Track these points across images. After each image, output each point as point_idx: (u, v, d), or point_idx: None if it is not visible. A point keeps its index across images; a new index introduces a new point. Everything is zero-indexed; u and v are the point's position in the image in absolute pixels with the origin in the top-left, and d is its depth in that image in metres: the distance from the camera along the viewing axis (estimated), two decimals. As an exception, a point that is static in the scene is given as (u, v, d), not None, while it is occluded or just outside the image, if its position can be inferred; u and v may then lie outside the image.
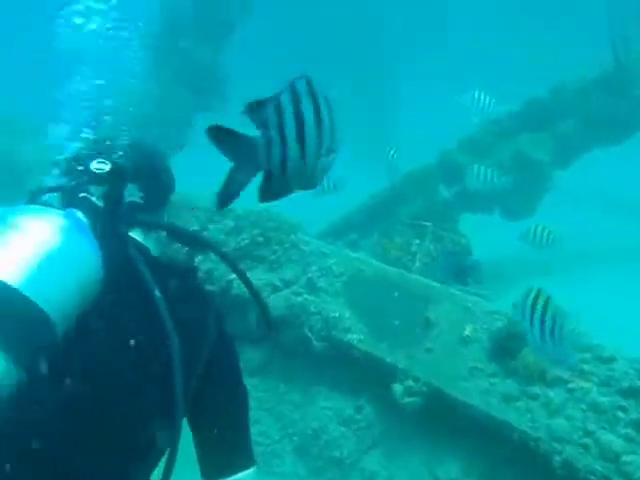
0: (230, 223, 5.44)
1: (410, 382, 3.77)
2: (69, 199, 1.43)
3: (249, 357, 4.90)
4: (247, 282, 1.57)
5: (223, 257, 1.62)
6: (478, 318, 3.82)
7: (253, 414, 5.05)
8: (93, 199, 1.45)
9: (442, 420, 3.66)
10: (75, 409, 1.20)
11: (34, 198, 1.46)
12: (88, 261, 1.29)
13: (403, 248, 5.04)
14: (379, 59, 13.83)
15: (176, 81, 6.95)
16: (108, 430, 1.24)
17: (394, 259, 5.03)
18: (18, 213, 1.28)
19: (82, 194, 1.45)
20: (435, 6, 16.36)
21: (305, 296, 4.79)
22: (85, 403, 1.21)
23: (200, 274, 5.05)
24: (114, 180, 1.50)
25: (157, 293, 1.34)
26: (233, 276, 5.01)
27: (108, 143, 1.61)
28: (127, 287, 1.36)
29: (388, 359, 4.02)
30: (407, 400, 3.72)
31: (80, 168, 1.52)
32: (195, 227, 5.44)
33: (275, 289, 4.98)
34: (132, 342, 1.30)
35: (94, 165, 1.49)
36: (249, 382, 5.10)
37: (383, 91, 13.55)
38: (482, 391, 3.40)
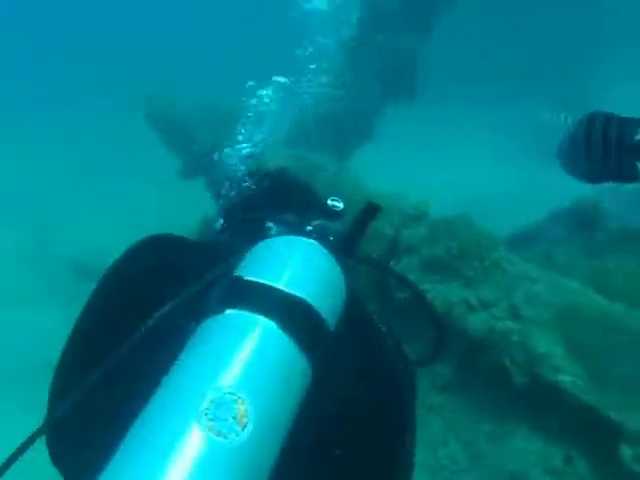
0: (424, 230, 5.22)
1: (644, 450, 3.26)
2: (292, 230, 1.48)
3: (439, 371, 4.70)
4: (427, 305, 1.54)
5: (401, 280, 1.61)
6: None
7: (441, 434, 4.74)
8: (326, 233, 1.52)
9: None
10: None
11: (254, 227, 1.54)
12: (342, 287, 1.34)
13: (630, 280, 4.37)
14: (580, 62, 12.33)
15: (371, 74, 6.85)
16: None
17: (615, 292, 4.39)
18: (279, 241, 1.35)
19: (309, 227, 1.53)
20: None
21: (507, 322, 4.42)
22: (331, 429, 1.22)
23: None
24: (359, 217, 1.54)
25: (383, 328, 1.36)
26: (425, 286, 4.86)
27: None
28: (356, 319, 1.38)
29: (613, 415, 3.53)
30: (640, 471, 3.23)
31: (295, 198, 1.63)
32: (389, 232, 5.32)
33: (470, 308, 4.69)
34: (366, 377, 1.31)
35: (330, 202, 1.58)
36: (439, 398, 4.77)
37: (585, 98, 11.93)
38: None
